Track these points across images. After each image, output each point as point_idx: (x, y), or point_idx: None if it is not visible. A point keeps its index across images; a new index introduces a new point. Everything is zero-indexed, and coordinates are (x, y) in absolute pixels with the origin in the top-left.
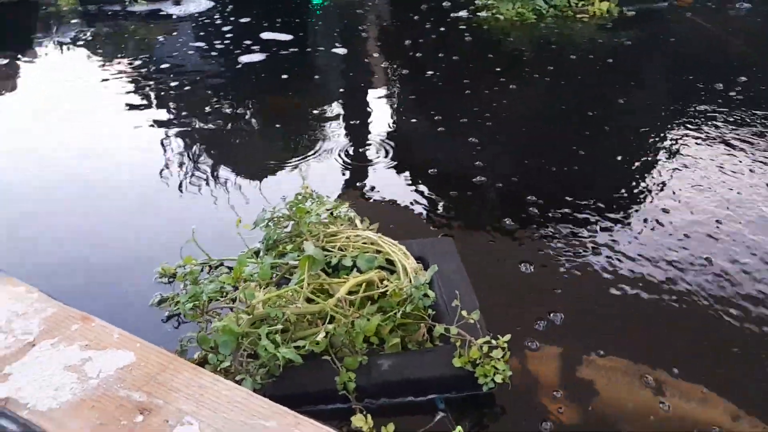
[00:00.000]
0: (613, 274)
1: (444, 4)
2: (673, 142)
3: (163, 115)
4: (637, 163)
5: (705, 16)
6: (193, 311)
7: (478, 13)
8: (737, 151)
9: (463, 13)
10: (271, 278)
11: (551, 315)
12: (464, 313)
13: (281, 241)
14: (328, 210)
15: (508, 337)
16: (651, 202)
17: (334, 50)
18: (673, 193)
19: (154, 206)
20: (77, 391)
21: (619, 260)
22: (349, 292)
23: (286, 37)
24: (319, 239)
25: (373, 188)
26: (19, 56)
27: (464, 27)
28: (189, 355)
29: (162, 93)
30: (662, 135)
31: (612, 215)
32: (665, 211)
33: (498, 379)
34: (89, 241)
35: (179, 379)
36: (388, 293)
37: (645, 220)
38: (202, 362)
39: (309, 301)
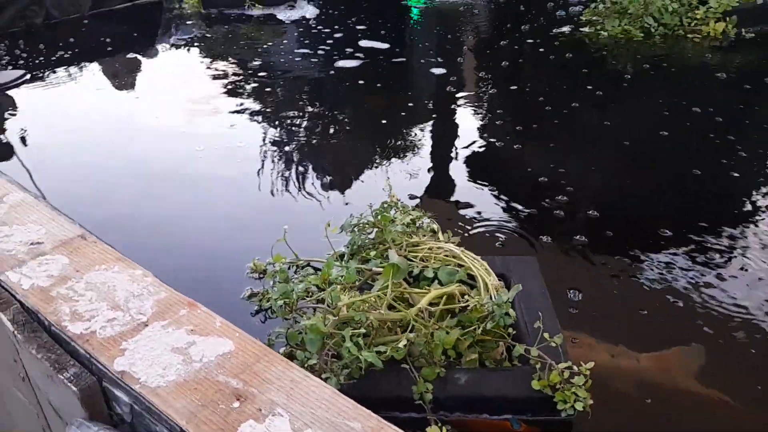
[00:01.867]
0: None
1: (542, 18)
2: None
3: (261, 114)
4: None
5: None
6: (283, 308)
7: (581, 29)
8: None
9: (566, 29)
10: (354, 283)
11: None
12: (546, 335)
13: (365, 247)
14: (411, 219)
15: (591, 364)
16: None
17: (430, 60)
18: None
19: (250, 202)
20: (182, 372)
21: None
22: (430, 304)
23: (384, 45)
24: (401, 248)
25: (457, 202)
26: (141, 54)
27: (565, 41)
28: (276, 350)
29: (261, 93)
30: None
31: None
32: None
33: (579, 406)
34: (193, 228)
35: (273, 371)
36: (468, 308)
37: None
38: (289, 358)
39: (391, 308)
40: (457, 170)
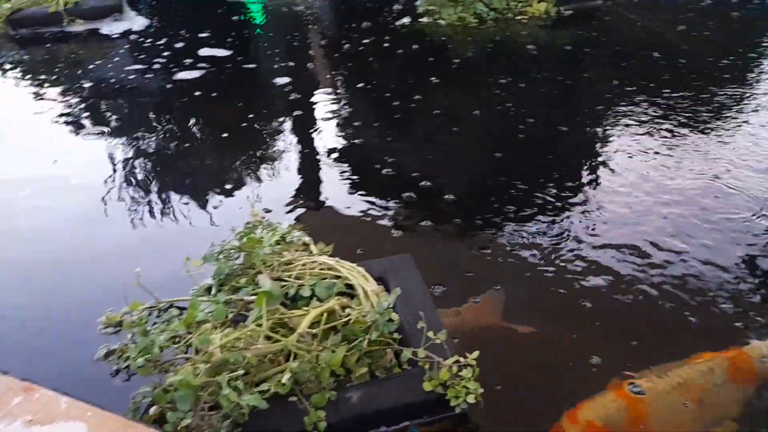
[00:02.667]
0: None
1: (385, 12)
2: (617, 136)
3: (97, 141)
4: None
5: (637, 12)
6: (145, 366)
7: (420, 20)
8: (678, 140)
9: (405, 20)
10: (226, 317)
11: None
12: (430, 334)
13: (234, 275)
14: (280, 236)
15: (476, 353)
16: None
17: (277, 64)
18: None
19: (92, 246)
20: None
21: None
22: (311, 325)
23: (226, 52)
24: (273, 269)
25: (325, 206)
26: None
27: (407, 33)
28: (144, 412)
29: (95, 118)
30: (609, 125)
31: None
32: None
33: (470, 399)
34: (22, 292)
35: None
36: (351, 321)
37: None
38: (160, 418)
39: (269, 338)
40: (321, 174)
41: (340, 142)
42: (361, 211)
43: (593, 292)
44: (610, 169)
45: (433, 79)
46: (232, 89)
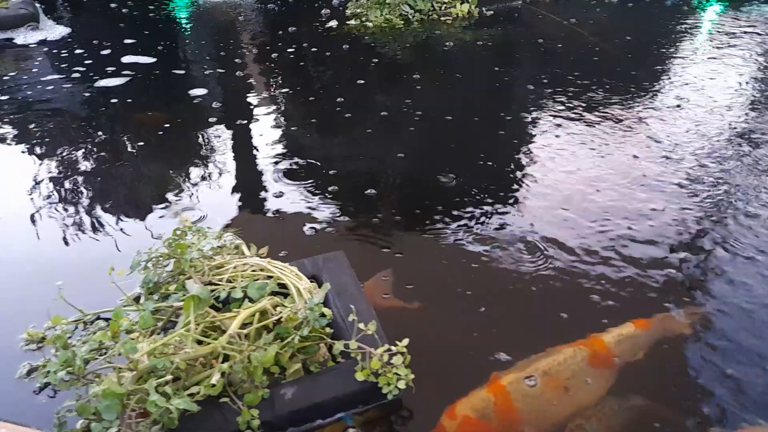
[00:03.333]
0: None
1: (314, 14)
2: (542, 126)
3: (13, 154)
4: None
5: (554, 11)
6: (68, 380)
7: (348, 22)
8: (594, 131)
9: (333, 23)
10: (155, 325)
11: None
12: (361, 325)
13: (164, 283)
14: (213, 241)
15: (406, 341)
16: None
17: (207, 69)
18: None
19: (12, 260)
20: None
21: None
22: (243, 325)
23: (149, 59)
24: (204, 274)
25: (261, 209)
26: None
27: (335, 35)
28: (71, 426)
29: (14, 133)
30: (531, 118)
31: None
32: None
33: (401, 384)
34: None
35: None
36: (283, 319)
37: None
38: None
39: (200, 343)
40: (252, 177)
41: (268, 146)
42: (294, 212)
43: (489, 281)
44: (528, 162)
45: (359, 80)
46: (158, 97)
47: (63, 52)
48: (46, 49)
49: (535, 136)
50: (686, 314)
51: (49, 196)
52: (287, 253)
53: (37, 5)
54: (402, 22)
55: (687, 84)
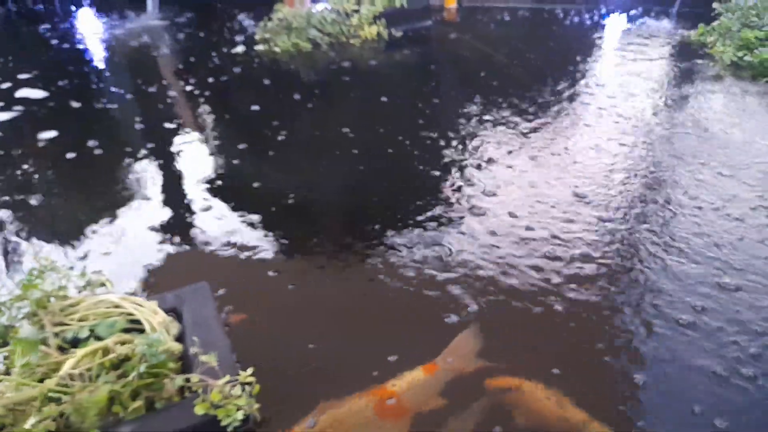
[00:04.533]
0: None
1: (221, 40)
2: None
3: None
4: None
5: (461, 31)
6: None
7: (256, 47)
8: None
9: (240, 49)
10: None
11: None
12: (203, 358)
13: (11, 327)
14: (75, 279)
15: (250, 370)
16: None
17: (111, 102)
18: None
19: None
20: None
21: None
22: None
23: (42, 93)
24: (55, 314)
25: (143, 243)
26: None
27: (242, 60)
28: None
29: None
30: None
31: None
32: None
33: (239, 416)
34: None
35: None
36: (127, 356)
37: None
38: None
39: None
40: (132, 212)
41: (172, 171)
42: (188, 241)
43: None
44: (460, 178)
45: (277, 102)
46: (60, 125)
47: None
48: None
49: (459, 153)
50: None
51: None
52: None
53: None
54: (310, 46)
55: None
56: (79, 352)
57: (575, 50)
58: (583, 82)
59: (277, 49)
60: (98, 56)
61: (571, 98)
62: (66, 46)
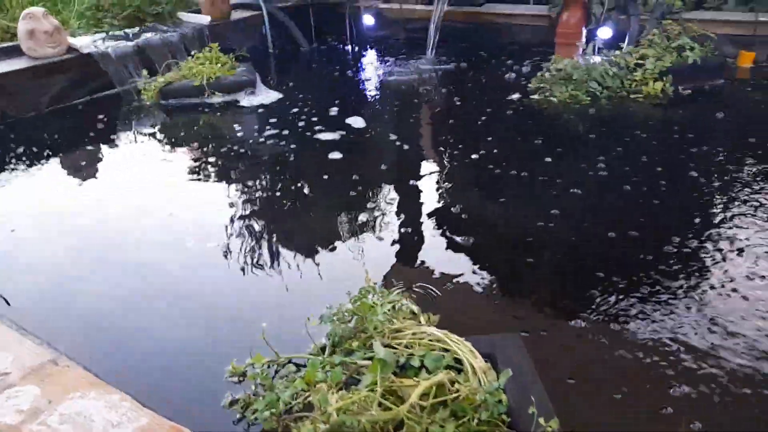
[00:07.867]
0: None
1: (495, 86)
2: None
3: (224, 199)
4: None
5: (761, 90)
6: (269, 419)
7: (531, 96)
8: None
9: (515, 96)
10: (341, 379)
11: None
12: (542, 420)
13: (346, 337)
14: (391, 304)
15: None
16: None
17: (394, 133)
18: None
19: (221, 294)
20: None
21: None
22: (421, 396)
23: (361, 122)
24: (384, 336)
25: (430, 275)
26: (101, 144)
27: (517, 108)
28: None
29: (224, 177)
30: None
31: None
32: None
33: None
34: (163, 335)
35: None
36: (460, 397)
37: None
38: None
39: (380, 405)
40: (423, 241)
41: (444, 210)
42: (463, 281)
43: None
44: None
45: (541, 150)
46: (363, 153)
47: (282, 111)
48: (262, 110)
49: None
50: None
51: (243, 237)
52: (461, 323)
53: (257, 73)
54: (588, 98)
55: None
56: (423, 383)
57: None
58: None
59: (553, 99)
60: (386, 94)
61: None
62: (362, 86)
